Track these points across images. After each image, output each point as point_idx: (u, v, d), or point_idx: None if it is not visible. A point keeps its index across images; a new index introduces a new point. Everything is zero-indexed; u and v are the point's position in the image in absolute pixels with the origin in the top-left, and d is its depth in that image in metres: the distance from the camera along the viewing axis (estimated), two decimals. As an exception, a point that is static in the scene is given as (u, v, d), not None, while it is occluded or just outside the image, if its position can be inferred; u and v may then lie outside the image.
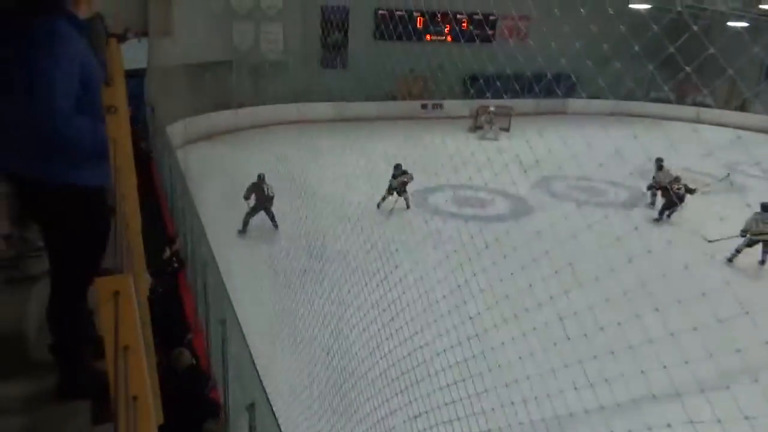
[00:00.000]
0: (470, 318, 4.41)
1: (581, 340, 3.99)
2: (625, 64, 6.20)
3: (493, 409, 3.96)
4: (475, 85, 20.85)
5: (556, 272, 4.58)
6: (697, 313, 4.46)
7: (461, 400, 4.08)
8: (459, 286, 4.68)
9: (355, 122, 21.03)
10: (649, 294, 4.89)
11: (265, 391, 4.25)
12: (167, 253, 7.91)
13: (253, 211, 11.46)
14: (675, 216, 13.23)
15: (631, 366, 4.24)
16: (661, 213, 13.30)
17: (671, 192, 12.99)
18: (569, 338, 3.95)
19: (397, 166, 12.84)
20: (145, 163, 13.04)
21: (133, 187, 3.31)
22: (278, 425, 4.14)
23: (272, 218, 11.46)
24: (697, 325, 3.96)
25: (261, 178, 11.47)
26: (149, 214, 9.41)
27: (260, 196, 11.42)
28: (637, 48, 4.04)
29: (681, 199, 13.02)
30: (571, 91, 25.33)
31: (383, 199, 12.63)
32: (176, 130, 15.80)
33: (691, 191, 13.25)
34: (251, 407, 4.09)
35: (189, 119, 17.36)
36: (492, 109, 21.94)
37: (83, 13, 2.48)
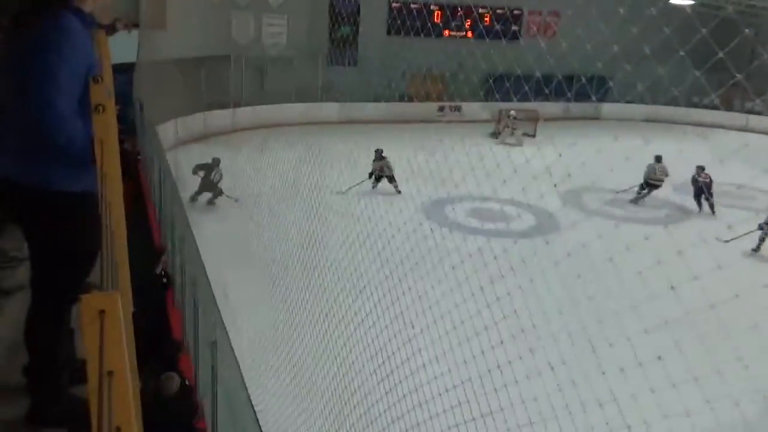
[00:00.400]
0: (492, 347, 4.37)
1: (617, 376, 3.94)
2: (667, 68, 6.21)
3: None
4: (499, 87, 20.89)
5: (589, 298, 4.55)
6: (746, 346, 4.40)
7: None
8: (479, 311, 4.65)
9: (364, 125, 21.09)
10: (693, 324, 4.84)
11: (258, 422, 4.23)
12: (160, 267, 7.93)
13: (200, 190, 13.32)
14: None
15: (674, 405, 4.17)
16: (698, 203, 14.76)
17: (695, 180, 14.71)
18: (603, 372, 3.90)
19: (378, 151, 15.14)
20: (132, 167, 13.11)
21: (119, 194, 3.31)
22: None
23: (213, 198, 13.36)
24: (747, 361, 3.90)
25: (215, 161, 13.41)
26: (135, 224, 9.44)
27: (206, 178, 13.32)
28: (682, 53, 4.02)
29: (708, 187, 14.47)
30: (605, 96, 25.30)
31: (374, 185, 14.98)
32: (167, 131, 15.89)
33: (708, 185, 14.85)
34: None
35: (182, 118, 17.47)
36: (512, 113, 21.94)
37: (88, 6, 2.52)
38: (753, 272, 10.66)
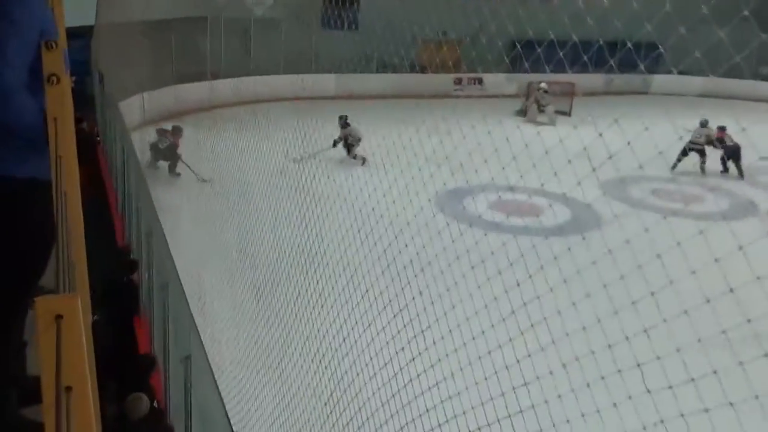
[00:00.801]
0: (517, 361, 4.39)
1: (665, 396, 3.95)
2: (728, 31, 6.19)
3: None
4: (529, 55, 20.84)
5: (633, 303, 4.55)
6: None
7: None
8: (503, 318, 4.67)
9: (366, 100, 21.09)
10: (756, 335, 4.84)
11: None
12: (135, 275, 8.06)
13: (153, 157, 15.47)
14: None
15: None
16: (724, 165, 16.63)
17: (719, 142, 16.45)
18: (649, 391, 3.92)
19: (342, 117, 16.97)
20: (90, 150, 13.18)
21: (75, 181, 3.34)
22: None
23: (170, 168, 15.64)
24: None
25: (175, 129, 15.62)
26: (94, 216, 9.50)
27: (154, 145, 15.36)
28: (746, 13, 4.01)
29: (736, 150, 16.06)
30: (655, 65, 25.17)
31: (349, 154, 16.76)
32: (132, 107, 15.94)
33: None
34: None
35: (149, 93, 17.52)
36: (543, 85, 21.88)
37: None
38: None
